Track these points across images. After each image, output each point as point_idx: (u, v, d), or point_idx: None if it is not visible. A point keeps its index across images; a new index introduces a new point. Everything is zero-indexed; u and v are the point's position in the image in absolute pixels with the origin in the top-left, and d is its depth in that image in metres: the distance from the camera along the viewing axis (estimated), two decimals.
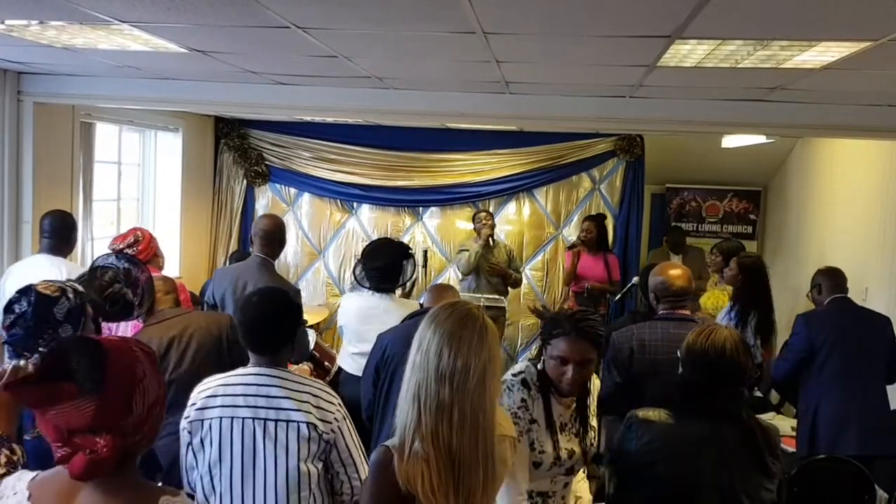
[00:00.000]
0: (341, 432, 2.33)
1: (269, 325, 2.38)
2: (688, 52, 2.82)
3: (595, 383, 2.63)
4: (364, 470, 2.34)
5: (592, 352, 2.35)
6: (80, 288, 2.49)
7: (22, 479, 1.46)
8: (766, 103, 4.09)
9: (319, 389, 2.36)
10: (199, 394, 2.37)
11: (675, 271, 3.35)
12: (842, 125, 4.22)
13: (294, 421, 2.27)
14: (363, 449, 2.41)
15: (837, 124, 4.21)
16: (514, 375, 2.45)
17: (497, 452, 1.84)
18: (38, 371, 1.36)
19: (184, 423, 2.34)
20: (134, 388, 1.38)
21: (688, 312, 3.30)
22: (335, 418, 2.32)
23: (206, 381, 2.43)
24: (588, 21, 2.46)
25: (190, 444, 2.34)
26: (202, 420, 2.31)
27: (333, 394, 2.39)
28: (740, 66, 3.00)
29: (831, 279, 4.11)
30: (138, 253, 4.09)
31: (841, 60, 2.82)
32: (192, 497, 2.32)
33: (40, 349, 2.19)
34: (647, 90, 3.87)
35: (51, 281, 2.50)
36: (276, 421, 2.27)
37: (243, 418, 2.28)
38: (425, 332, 1.87)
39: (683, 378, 2.37)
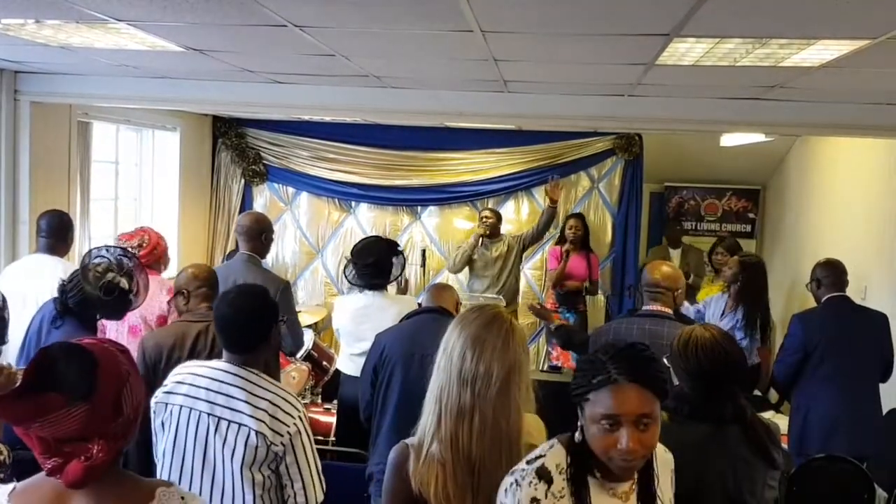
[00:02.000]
0: (293, 446, 2.25)
1: (240, 324, 2.35)
2: (686, 51, 2.81)
3: (662, 457, 1.82)
4: (315, 488, 2.29)
5: (654, 403, 1.61)
6: None
7: (1, 493, 1.42)
8: (765, 101, 4.08)
9: (281, 398, 2.29)
10: (171, 377, 2.38)
11: (657, 264, 3.38)
12: (841, 123, 4.21)
13: (245, 426, 2.23)
14: (318, 465, 2.34)
15: (836, 122, 4.21)
16: (528, 463, 1.68)
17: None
18: (24, 382, 1.32)
19: (151, 403, 2.34)
20: (121, 390, 1.37)
21: (662, 308, 3.27)
22: (289, 431, 2.25)
23: (182, 365, 2.44)
24: (586, 19, 2.45)
25: (152, 423, 2.35)
26: (166, 403, 2.32)
27: (297, 404, 2.32)
28: (739, 64, 2.99)
29: (831, 275, 4.07)
30: (140, 256, 4.07)
31: (840, 58, 2.81)
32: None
33: None
34: (645, 89, 3.86)
35: None
36: (230, 422, 2.24)
37: (200, 412, 2.27)
38: (451, 335, 1.86)
39: (682, 390, 2.32)
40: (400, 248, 4.29)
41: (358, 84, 4.27)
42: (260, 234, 4.15)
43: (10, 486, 1.43)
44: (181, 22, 2.73)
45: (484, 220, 6.10)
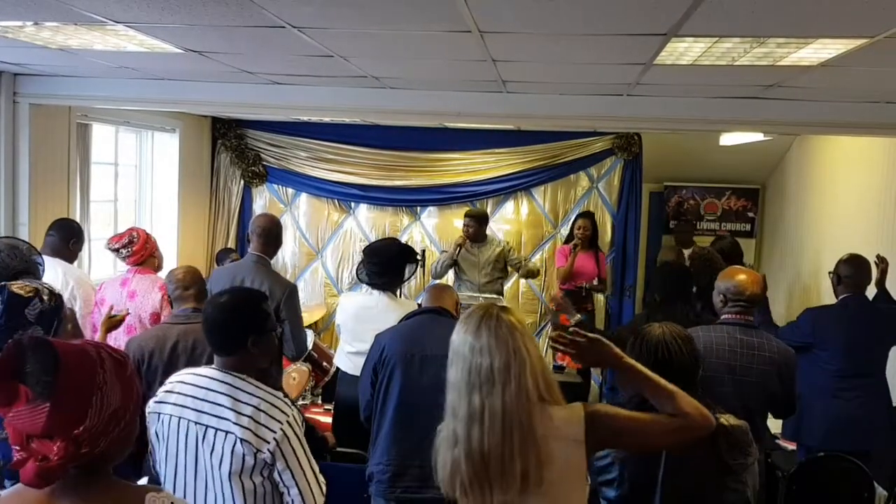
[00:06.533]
0: (282, 452, 2.17)
1: (219, 324, 2.30)
2: (684, 50, 2.82)
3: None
4: (312, 493, 2.22)
5: None
6: (56, 290, 2.45)
7: None
8: (764, 101, 4.09)
9: (268, 403, 2.21)
10: (163, 385, 2.34)
11: (746, 276, 3.16)
12: (839, 122, 4.21)
13: (231, 433, 2.17)
14: (315, 469, 2.27)
15: (835, 121, 4.21)
16: None
17: (543, 452, 1.79)
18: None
19: (147, 410, 2.29)
20: (90, 396, 1.32)
21: (751, 318, 3.13)
22: (275, 437, 2.16)
23: (176, 374, 2.39)
24: (584, 19, 2.46)
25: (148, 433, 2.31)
26: (158, 413, 2.28)
27: (286, 408, 2.24)
28: (737, 63, 2.99)
29: (853, 275, 4.03)
30: (133, 253, 4.07)
31: (837, 57, 2.82)
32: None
33: None
34: (643, 88, 3.87)
35: (28, 281, 2.49)
36: (216, 430, 2.18)
37: (189, 420, 2.22)
38: (451, 348, 1.91)
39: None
40: (418, 257, 4.28)
41: (357, 85, 4.28)
42: (276, 238, 4.21)
43: (7, 485, 1.44)
44: (179, 23, 2.73)
45: (466, 227, 5.87)
